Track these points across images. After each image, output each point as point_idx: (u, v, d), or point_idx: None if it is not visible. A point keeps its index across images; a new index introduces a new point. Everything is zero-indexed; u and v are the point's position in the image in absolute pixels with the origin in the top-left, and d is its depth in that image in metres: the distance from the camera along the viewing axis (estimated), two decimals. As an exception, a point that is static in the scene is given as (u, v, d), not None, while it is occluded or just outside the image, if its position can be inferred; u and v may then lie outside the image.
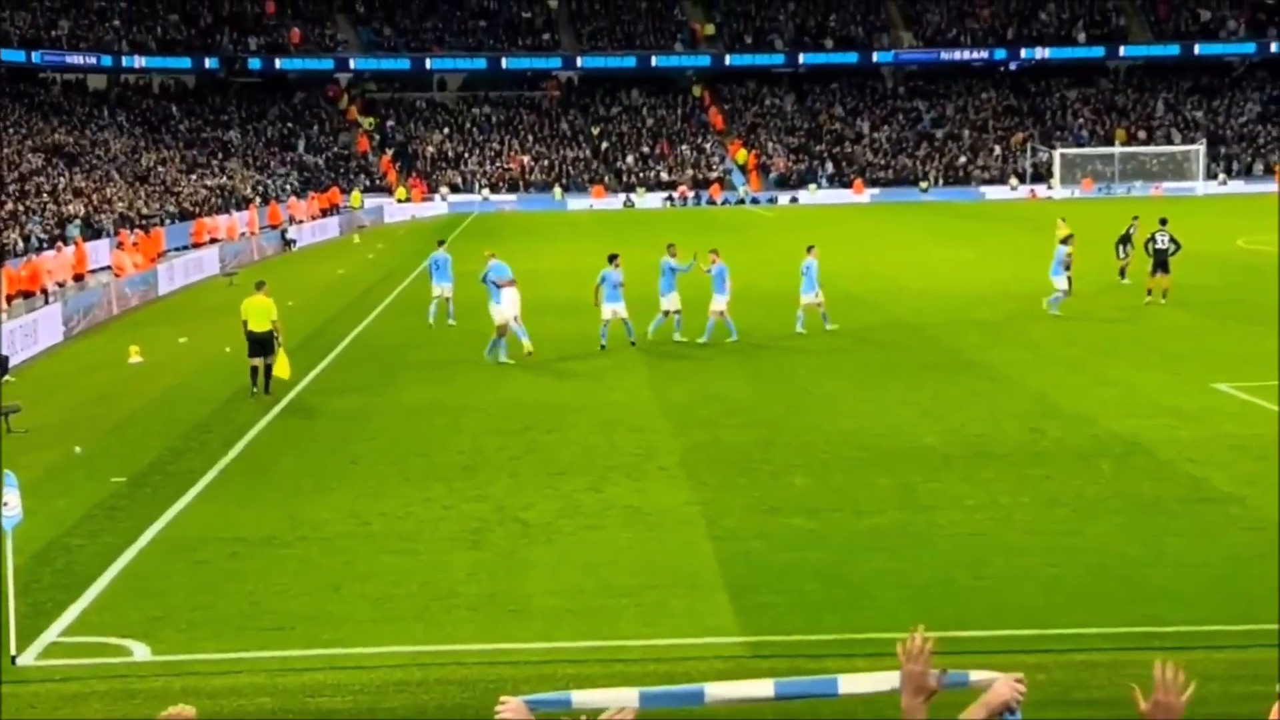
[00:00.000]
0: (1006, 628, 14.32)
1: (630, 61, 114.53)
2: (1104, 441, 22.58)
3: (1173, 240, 39.83)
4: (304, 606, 15.50)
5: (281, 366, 28.62)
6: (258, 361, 28.64)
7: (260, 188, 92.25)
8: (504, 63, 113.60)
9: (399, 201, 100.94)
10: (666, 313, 34.69)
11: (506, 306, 32.37)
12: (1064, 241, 38.50)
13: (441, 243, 41.32)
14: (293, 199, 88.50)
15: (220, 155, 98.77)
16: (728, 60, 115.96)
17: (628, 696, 5.45)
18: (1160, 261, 39.73)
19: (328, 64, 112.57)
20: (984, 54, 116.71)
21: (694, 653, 13.92)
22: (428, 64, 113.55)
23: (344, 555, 17.44)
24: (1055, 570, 16.08)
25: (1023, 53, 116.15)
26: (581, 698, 5.52)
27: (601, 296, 33.51)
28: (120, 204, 70.98)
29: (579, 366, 31.62)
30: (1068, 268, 37.59)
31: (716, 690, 5.77)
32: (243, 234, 70.47)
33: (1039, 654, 13.53)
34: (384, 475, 21.64)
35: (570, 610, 15.20)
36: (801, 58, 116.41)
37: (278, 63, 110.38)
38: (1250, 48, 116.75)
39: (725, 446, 22.96)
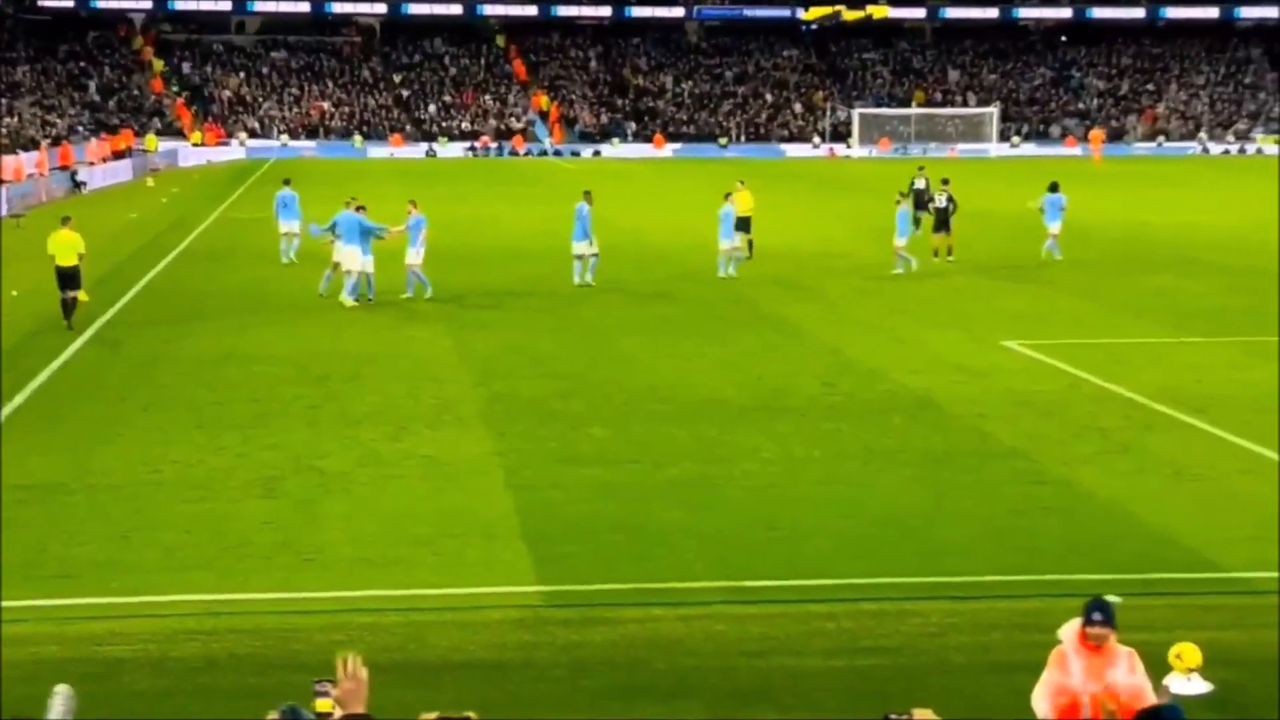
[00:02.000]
0: (798, 578, 14.56)
1: (435, 8, 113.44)
2: (895, 396, 23.03)
3: (951, 199, 40.63)
4: (92, 554, 15.22)
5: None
6: (69, 295, 29.06)
7: (50, 128, 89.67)
8: (306, 7, 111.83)
9: (194, 145, 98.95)
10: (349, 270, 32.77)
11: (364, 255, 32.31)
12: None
13: (287, 181, 41.54)
14: (86, 141, 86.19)
15: (7, 94, 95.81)
16: (533, 10, 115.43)
17: None
18: (942, 220, 40.57)
19: (124, 3, 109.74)
20: (786, 12, 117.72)
21: (490, 601, 13.95)
22: (226, 5, 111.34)
23: (134, 503, 17.15)
24: (846, 521, 16.40)
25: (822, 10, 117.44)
26: None
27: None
28: (-99, 142, 68.54)
29: (379, 316, 31.36)
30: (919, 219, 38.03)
31: None
32: (30, 175, 68.47)
33: (829, 603, 13.81)
34: (176, 423, 21.28)
35: (366, 559, 15.12)
36: (607, 10, 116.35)
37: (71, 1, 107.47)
38: (1049, 11, 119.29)
39: (525, 398, 22.98)
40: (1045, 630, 9.98)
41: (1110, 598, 12.28)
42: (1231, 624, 13.46)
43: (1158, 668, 9.78)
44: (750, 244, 39.90)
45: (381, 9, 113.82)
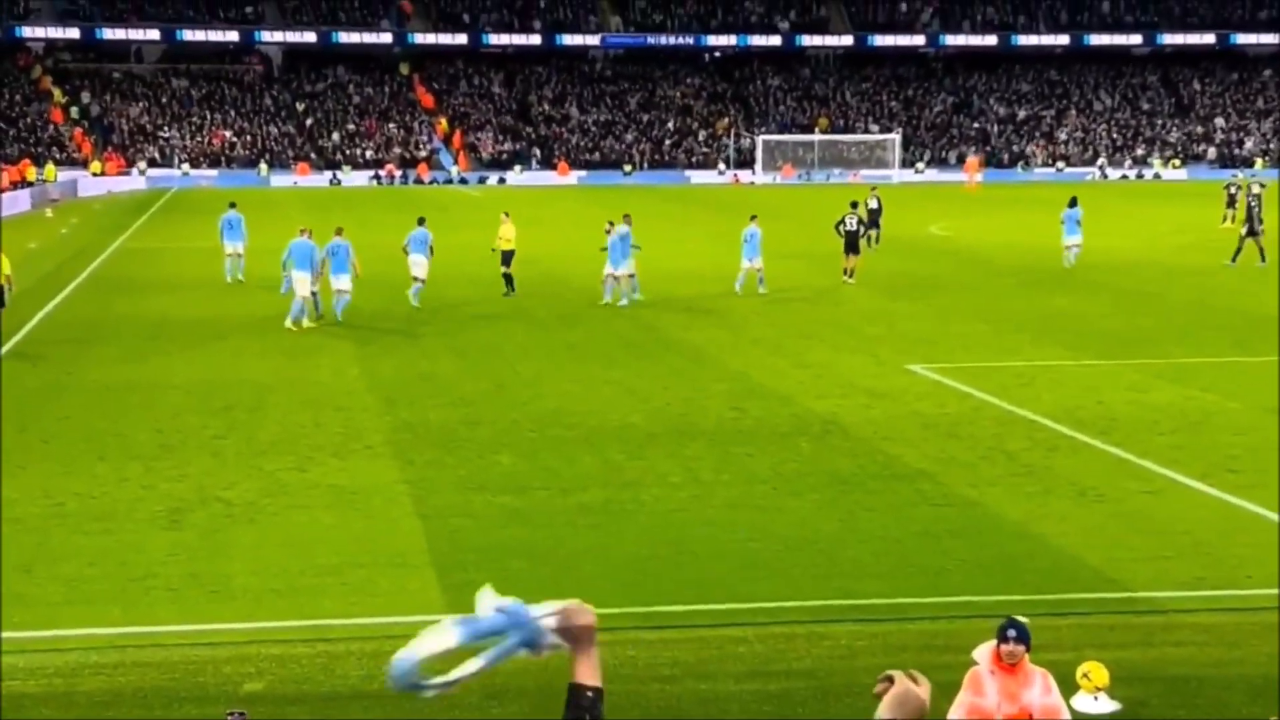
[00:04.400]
0: (709, 602, 14.57)
1: (336, 37, 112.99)
2: (803, 420, 23.13)
3: (861, 222, 41.38)
4: (-7, 589, 14.97)
5: None
6: None
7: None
8: (206, 35, 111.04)
9: (94, 175, 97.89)
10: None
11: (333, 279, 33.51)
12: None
13: (233, 204, 43.54)
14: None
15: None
16: (435, 39, 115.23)
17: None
18: (850, 243, 41.24)
19: (17, 31, 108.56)
20: (689, 39, 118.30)
21: (400, 630, 13.74)
22: (124, 34, 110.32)
23: (36, 535, 16.90)
24: (755, 545, 16.44)
25: (728, 40, 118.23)
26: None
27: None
28: None
29: (283, 344, 31.13)
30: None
31: None
32: (-74, 206, 67.43)
33: (739, 627, 13.82)
34: (78, 454, 21.01)
35: (273, 590, 14.99)
36: (510, 39, 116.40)
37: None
38: (942, 40, 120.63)
39: (432, 425, 22.88)
40: (955, 651, 10.05)
41: (1017, 618, 12.38)
42: (1137, 642, 13.61)
43: (1066, 686, 9.86)
44: (510, 279, 37.74)
45: (282, 38, 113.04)
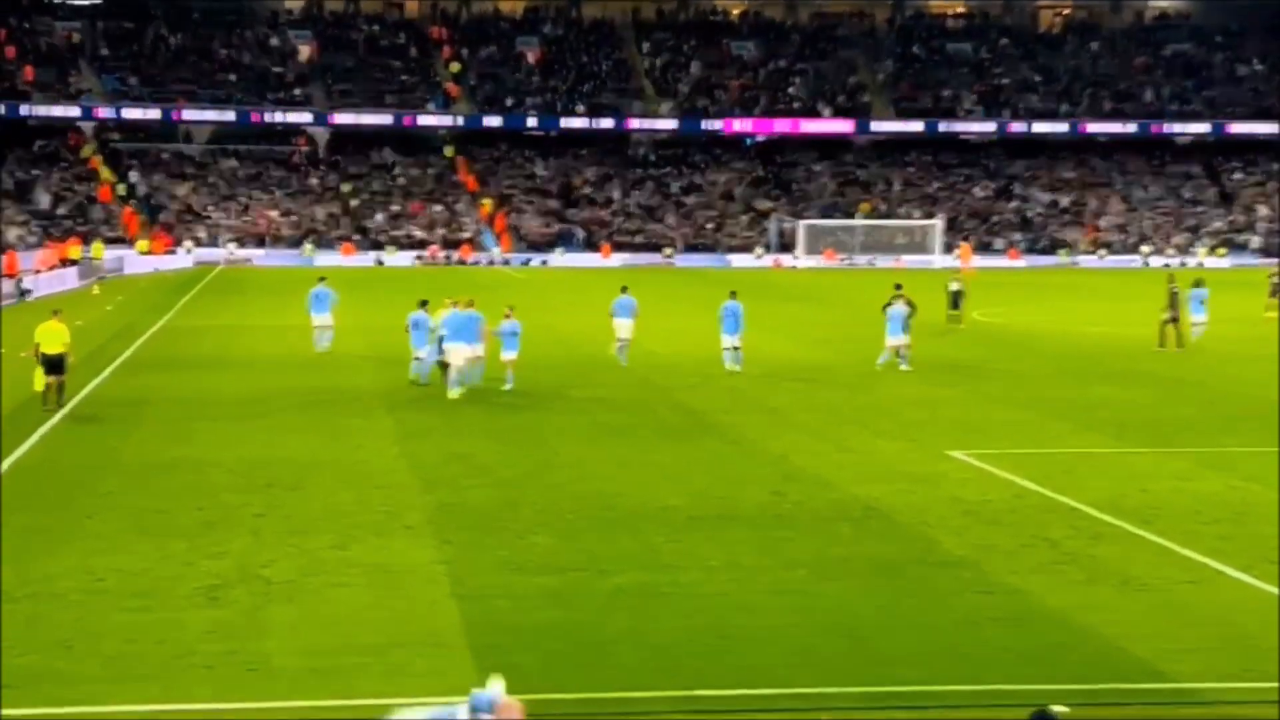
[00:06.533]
0: (748, 687, 14.49)
1: (383, 119, 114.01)
2: (843, 505, 23.05)
3: (908, 303, 41.33)
4: (32, 664, 14.99)
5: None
6: (51, 380, 32.17)
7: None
8: (256, 117, 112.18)
9: (141, 254, 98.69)
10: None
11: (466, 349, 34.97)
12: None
13: (323, 279, 45.74)
14: (33, 249, 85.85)
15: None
16: (483, 122, 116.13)
17: None
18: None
19: (73, 111, 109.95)
20: (734, 125, 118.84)
21: (436, 712, 13.79)
22: (174, 115, 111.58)
23: (76, 612, 16.93)
24: (794, 630, 16.34)
25: (772, 125, 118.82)
26: None
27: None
28: None
29: (325, 422, 31.24)
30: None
31: None
32: (-25, 283, 68.07)
33: (778, 713, 13.74)
34: (119, 531, 21.08)
35: (311, 669, 14.97)
36: (539, 121, 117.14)
37: (21, 109, 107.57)
38: (990, 125, 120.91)
39: (471, 506, 22.88)
40: (995, 740, 9.97)
41: (1058, 708, 12.29)
42: (1180, 734, 13.47)
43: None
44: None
45: (331, 120, 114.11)
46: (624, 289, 42.21)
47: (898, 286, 42.92)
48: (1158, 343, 46.32)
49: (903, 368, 39.72)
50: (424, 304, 37.57)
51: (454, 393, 34.38)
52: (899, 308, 40.26)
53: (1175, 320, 46.44)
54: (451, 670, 14.91)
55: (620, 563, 19.32)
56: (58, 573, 18.61)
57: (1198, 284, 48.65)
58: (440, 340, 35.34)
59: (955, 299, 53.78)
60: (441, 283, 79.26)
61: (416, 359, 36.78)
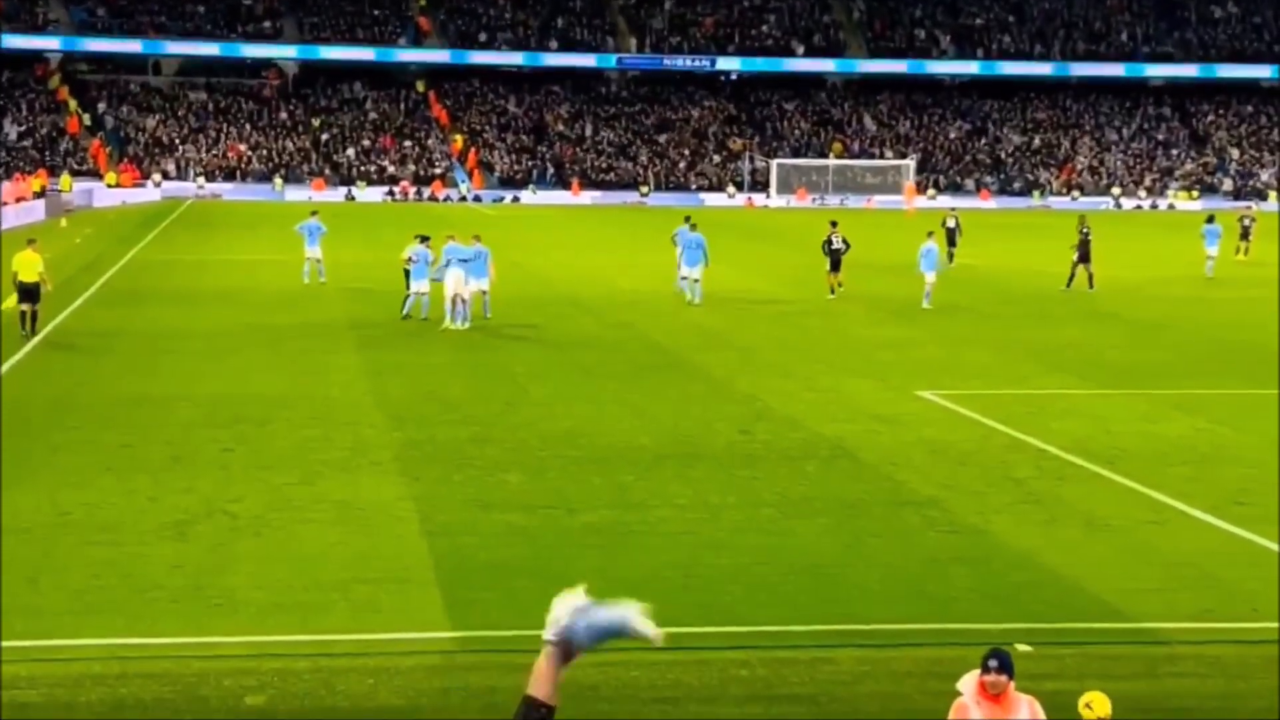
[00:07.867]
0: (713, 624, 14.55)
1: (355, 54, 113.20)
2: (811, 444, 23.11)
3: (844, 241, 43.19)
4: (-2, 598, 14.99)
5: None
6: (25, 307, 32.95)
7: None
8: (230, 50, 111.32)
9: (109, 186, 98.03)
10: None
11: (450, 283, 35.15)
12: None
13: (314, 213, 46.38)
14: (4, 182, 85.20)
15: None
16: (451, 58, 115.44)
17: None
18: (835, 261, 43.11)
19: (41, 43, 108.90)
20: (706, 62, 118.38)
21: (403, 647, 13.86)
22: (141, 47, 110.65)
23: (42, 546, 16.91)
24: (761, 569, 16.41)
25: (742, 63, 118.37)
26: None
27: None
28: None
29: (294, 358, 31.16)
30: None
31: None
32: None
33: (742, 650, 13.81)
34: (86, 465, 21.03)
35: (277, 604, 14.99)
36: (524, 58, 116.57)
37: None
38: (964, 66, 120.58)
39: (440, 443, 22.87)
40: (958, 679, 10.02)
41: (1021, 646, 12.39)
42: (1141, 674, 13.59)
43: (1068, 715, 9.84)
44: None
45: (294, 52, 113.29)
46: (691, 224, 43.17)
47: (833, 224, 44.49)
48: (1065, 283, 45.97)
49: (924, 305, 40.48)
50: (425, 239, 37.10)
51: (460, 325, 34.77)
52: (931, 245, 41.56)
53: (1085, 260, 46.05)
54: (419, 606, 14.95)
55: (589, 501, 19.36)
56: (23, 507, 18.56)
57: (1210, 219, 52.31)
58: (445, 267, 35.30)
59: (951, 235, 54.03)
60: (411, 220, 79.02)
61: (415, 294, 36.44)
